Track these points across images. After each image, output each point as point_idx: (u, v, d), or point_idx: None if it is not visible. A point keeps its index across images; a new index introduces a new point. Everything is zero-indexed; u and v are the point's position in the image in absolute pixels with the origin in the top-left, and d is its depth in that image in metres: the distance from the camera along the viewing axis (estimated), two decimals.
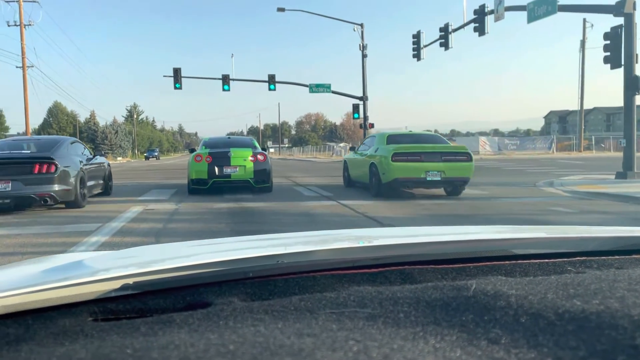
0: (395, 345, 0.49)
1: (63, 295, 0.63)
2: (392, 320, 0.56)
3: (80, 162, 8.47)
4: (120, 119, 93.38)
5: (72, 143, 8.87)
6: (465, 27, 19.60)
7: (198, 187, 9.86)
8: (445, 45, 20.86)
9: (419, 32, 23.09)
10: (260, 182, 9.91)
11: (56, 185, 7.51)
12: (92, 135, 78.17)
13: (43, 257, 0.99)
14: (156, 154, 68.98)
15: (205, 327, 0.55)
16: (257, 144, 11.02)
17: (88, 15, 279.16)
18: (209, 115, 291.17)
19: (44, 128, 77.23)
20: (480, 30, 18.36)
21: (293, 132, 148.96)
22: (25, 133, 37.08)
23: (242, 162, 9.77)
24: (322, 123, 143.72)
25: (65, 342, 0.53)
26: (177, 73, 30.90)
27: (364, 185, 10.27)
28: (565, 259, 0.88)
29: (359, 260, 0.83)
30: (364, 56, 33.46)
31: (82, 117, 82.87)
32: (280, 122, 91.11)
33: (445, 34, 20.78)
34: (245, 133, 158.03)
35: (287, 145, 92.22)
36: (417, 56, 22.73)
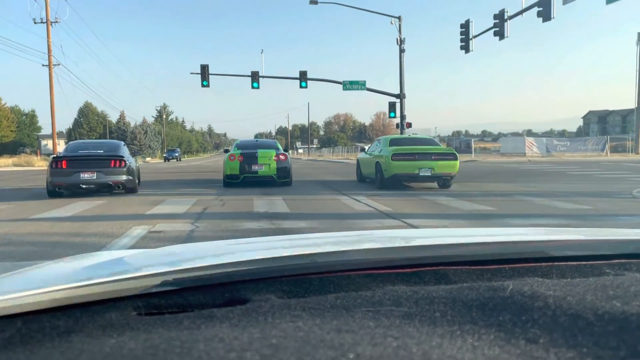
0: (434, 343, 0.49)
1: (107, 290, 0.65)
2: (429, 319, 0.57)
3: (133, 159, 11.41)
4: (150, 120, 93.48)
5: (124, 145, 11.69)
6: (524, 14, 17.32)
7: (231, 181, 11.84)
8: (500, 34, 18.54)
9: (467, 22, 20.84)
10: (282, 178, 11.75)
11: (124, 176, 10.43)
12: (121, 136, 78.06)
13: (84, 254, 1.01)
14: (177, 154, 60.42)
15: (246, 322, 0.57)
16: (279, 146, 12.73)
17: (116, 15, 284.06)
18: (238, 115, 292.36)
19: (75, 128, 77.54)
20: (546, 15, 16.01)
21: (321, 132, 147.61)
22: (52, 132, 36.32)
23: (268, 161, 11.63)
24: (351, 123, 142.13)
25: (113, 334, 0.55)
26: (204, 70, 29.39)
27: (372, 180, 11.97)
28: (604, 262, 0.86)
29: (393, 260, 0.83)
30: (401, 51, 31.32)
31: (113, 117, 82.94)
32: (309, 122, 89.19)
33: (500, 21, 18.47)
34: (273, 134, 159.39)
35: (315, 145, 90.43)
36: (466, 48, 20.47)
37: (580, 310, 0.56)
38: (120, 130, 79.18)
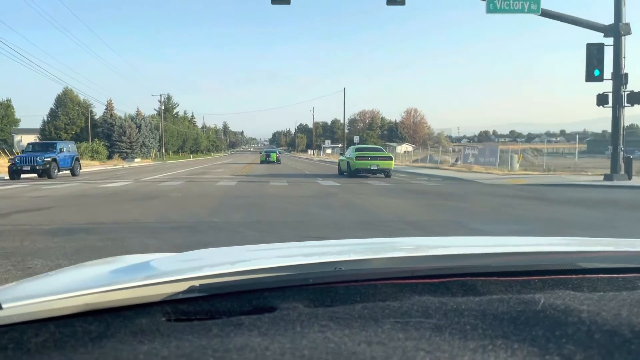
0: (466, 357, 0.49)
1: (137, 296, 0.65)
2: (459, 332, 0.56)
3: None
4: (152, 114, 76.91)
5: None
6: None
7: (261, 162, 43.43)
8: None
9: None
10: (277, 162, 43.78)
11: None
12: (108, 131, 61.72)
13: (110, 258, 1.00)
14: (45, 157, 19.66)
15: (275, 331, 0.57)
16: (278, 150, 53.97)
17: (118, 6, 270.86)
18: (257, 108, 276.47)
19: (51, 120, 61.38)
20: None
21: (346, 130, 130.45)
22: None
23: (273, 156, 44.83)
24: (379, 121, 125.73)
25: (144, 340, 0.55)
26: None
27: (346, 172, 20.99)
28: (637, 274, 0.84)
29: (419, 270, 0.82)
30: None
31: (101, 110, 66.19)
32: (345, 113, 71.73)
33: None
34: (293, 132, 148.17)
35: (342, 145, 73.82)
36: None
37: (616, 326, 0.54)
38: (106, 124, 62.81)
